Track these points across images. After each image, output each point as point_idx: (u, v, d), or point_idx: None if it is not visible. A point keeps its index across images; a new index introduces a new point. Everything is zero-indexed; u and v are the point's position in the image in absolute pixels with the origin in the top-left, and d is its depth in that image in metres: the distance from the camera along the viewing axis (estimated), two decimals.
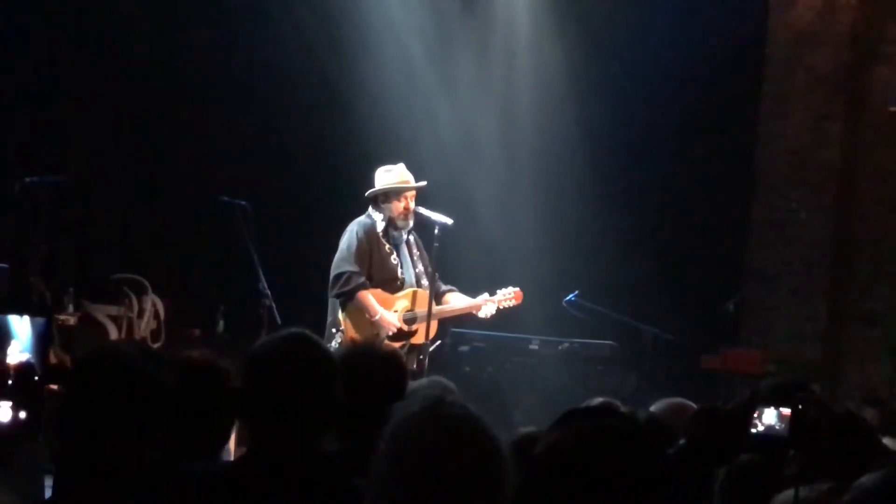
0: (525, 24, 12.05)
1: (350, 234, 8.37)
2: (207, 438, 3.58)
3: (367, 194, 8.46)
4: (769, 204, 11.46)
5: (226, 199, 9.05)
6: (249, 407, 3.17)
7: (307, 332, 3.26)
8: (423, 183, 8.48)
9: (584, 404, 5.25)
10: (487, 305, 8.54)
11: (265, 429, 3.14)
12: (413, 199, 8.41)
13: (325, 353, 3.26)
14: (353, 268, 8.24)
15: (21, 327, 3.58)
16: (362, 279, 8.25)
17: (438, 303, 8.45)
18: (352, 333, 8.18)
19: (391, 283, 8.39)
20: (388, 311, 8.30)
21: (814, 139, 11.30)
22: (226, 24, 10.96)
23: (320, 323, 8.28)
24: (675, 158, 11.60)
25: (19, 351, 3.64)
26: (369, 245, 8.32)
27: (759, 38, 11.55)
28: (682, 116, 11.57)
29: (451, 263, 8.88)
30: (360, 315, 8.26)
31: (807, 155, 11.31)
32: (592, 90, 11.57)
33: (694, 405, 4.60)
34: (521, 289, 8.69)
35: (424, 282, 8.44)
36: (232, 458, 5.75)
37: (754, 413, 3.42)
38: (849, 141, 11.28)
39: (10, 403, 3.34)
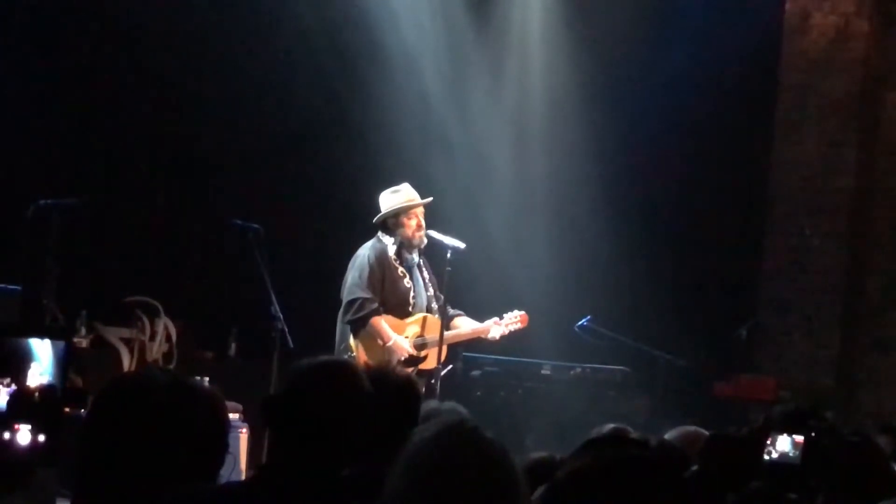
0: (539, 50, 12.05)
1: (361, 261, 8.33)
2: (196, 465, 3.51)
3: (375, 220, 8.44)
4: (783, 230, 11.45)
5: (238, 222, 9.03)
6: (283, 421, 3.18)
7: (353, 362, 3.31)
8: (430, 199, 8.47)
9: (595, 430, 5.24)
10: (495, 328, 8.53)
11: (291, 446, 3.15)
12: (423, 215, 8.40)
13: (367, 386, 3.30)
14: (366, 294, 8.21)
15: (42, 350, 3.55)
16: (375, 305, 8.23)
17: (447, 328, 8.43)
18: (364, 359, 8.14)
19: (403, 307, 8.36)
20: (400, 336, 8.28)
21: (827, 166, 11.29)
22: (241, 49, 10.98)
23: (332, 347, 8.27)
24: (688, 184, 11.60)
25: (39, 374, 3.61)
26: (381, 271, 8.28)
27: (772, 64, 11.56)
28: (696, 142, 11.56)
29: (463, 287, 8.86)
30: (373, 341, 8.23)
31: (820, 181, 11.29)
32: (606, 115, 11.56)
33: (707, 433, 4.59)
34: (533, 313, 8.68)
35: (435, 305, 8.42)
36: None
37: (767, 440, 3.41)
38: (862, 167, 11.27)
39: (29, 426, 3.31)
